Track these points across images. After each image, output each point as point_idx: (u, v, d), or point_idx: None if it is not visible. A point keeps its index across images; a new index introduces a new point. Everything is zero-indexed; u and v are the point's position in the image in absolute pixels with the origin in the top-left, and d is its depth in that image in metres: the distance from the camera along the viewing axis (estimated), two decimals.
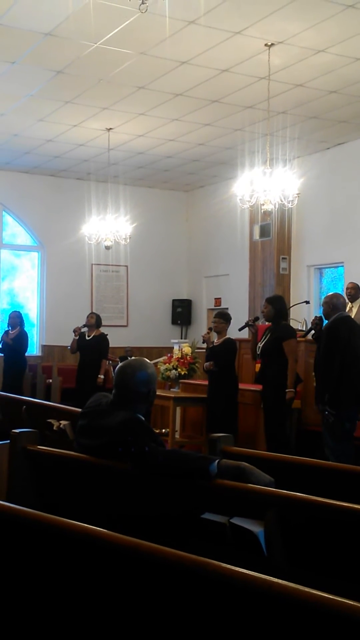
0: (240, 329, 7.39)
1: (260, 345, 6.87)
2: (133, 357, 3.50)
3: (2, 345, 10.23)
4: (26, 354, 10.50)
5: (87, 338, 9.12)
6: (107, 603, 1.99)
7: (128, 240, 10.74)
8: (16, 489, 3.16)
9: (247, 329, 7.28)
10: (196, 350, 9.07)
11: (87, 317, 9.34)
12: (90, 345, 9.05)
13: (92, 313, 9.51)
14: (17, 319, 10.30)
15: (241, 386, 7.42)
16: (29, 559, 2.24)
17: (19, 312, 10.63)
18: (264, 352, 6.78)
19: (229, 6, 6.38)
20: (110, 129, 9.91)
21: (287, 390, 6.55)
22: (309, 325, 7.36)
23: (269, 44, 7.16)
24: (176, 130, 10.00)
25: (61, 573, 2.13)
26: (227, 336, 7.45)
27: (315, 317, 6.50)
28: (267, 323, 7.15)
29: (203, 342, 7.81)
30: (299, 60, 7.58)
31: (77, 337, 9.10)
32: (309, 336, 7.27)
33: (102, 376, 8.85)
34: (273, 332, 6.80)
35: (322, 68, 7.77)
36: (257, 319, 7.49)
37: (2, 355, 10.43)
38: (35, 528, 2.18)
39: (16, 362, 10.19)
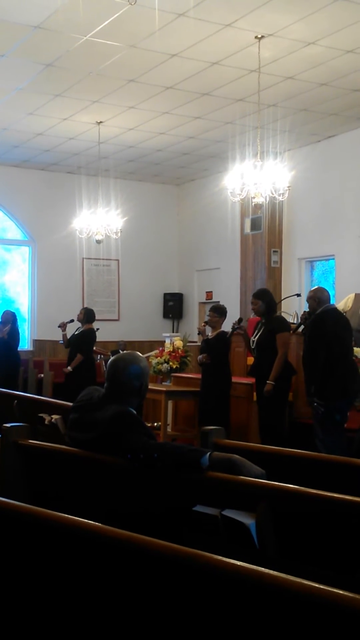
0: (229, 336, 7.32)
1: (254, 339, 6.82)
2: (125, 351, 3.49)
3: None
4: (18, 349, 10.50)
5: (76, 333, 9.11)
6: (100, 596, 2.00)
7: (119, 234, 10.72)
8: (7, 483, 3.16)
9: (237, 332, 7.16)
10: (188, 344, 9.07)
11: (79, 312, 9.32)
12: (77, 340, 9.04)
13: (82, 308, 9.45)
14: (10, 317, 10.33)
15: (233, 379, 7.42)
16: (21, 553, 2.24)
17: (14, 312, 10.64)
18: (259, 346, 6.74)
19: None
20: (101, 122, 9.88)
21: (267, 381, 6.50)
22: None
23: (259, 36, 7.14)
24: (166, 124, 9.98)
25: (53, 567, 2.13)
26: (221, 329, 7.44)
27: (304, 312, 6.47)
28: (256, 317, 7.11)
29: (199, 334, 7.80)
30: (289, 53, 7.57)
31: (64, 332, 9.11)
32: (299, 331, 7.25)
33: (69, 368, 8.78)
34: (267, 324, 6.76)
35: (313, 60, 7.76)
36: (240, 320, 7.32)
37: None
38: (27, 522, 2.18)
39: (9, 358, 10.18)
